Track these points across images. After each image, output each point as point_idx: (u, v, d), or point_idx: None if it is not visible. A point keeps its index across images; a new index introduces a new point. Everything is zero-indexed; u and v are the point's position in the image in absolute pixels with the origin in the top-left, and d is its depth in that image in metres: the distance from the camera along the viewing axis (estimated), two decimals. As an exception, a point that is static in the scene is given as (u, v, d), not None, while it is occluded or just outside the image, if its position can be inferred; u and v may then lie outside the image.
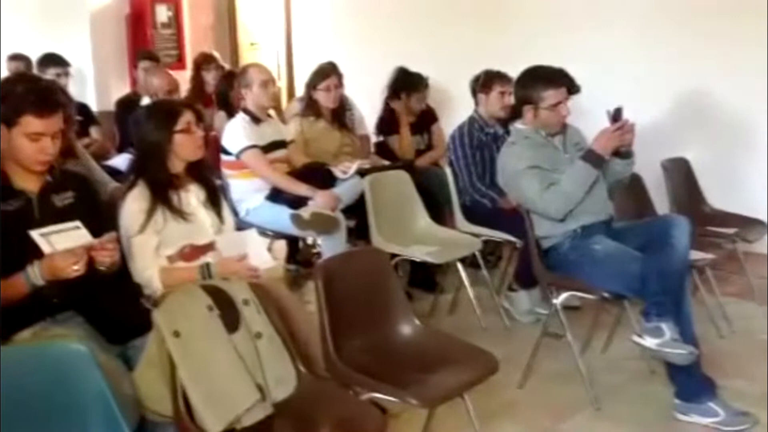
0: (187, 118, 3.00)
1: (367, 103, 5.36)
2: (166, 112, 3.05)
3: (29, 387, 2.03)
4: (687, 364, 3.06)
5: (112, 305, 2.60)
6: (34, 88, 2.56)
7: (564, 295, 3.43)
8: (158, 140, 2.95)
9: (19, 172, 2.57)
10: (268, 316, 2.50)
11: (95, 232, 2.55)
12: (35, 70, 5.71)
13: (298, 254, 4.99)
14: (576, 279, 3.38)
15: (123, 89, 6.34)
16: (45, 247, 2.38)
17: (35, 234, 2.38)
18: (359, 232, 4.31)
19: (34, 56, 5.90)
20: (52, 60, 5.68)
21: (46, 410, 2.03)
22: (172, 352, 2.24)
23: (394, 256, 4.07)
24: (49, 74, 5.52)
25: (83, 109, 5.62)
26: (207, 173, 3.15)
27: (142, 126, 3.05)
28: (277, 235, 4.49)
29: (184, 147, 2.97)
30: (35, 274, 2.39)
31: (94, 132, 5.48)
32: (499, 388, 3.43)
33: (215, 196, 3.10)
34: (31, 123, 2.47)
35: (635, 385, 3.55)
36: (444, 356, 2.77)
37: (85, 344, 2.15)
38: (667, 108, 5.12)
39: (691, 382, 3.17)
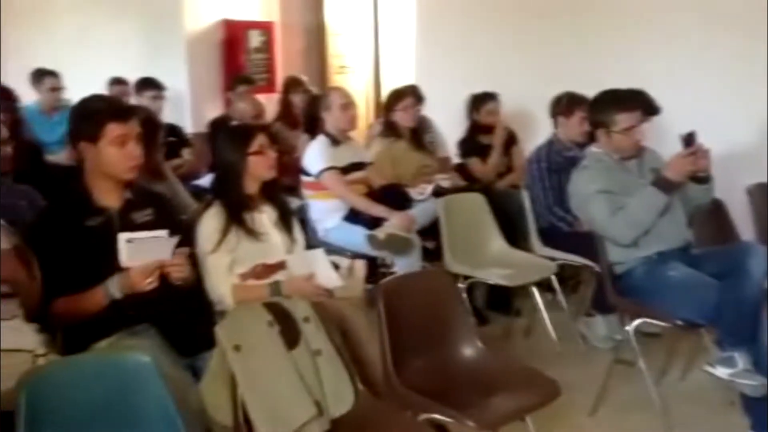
0: (260, 140, 3.11)
1: (452, 125, 5.40)
2: (240, 134, 3.18)
3: (95, 395, 2.14)
4: (759, 395, 2.96)
5: (185, 319, 2.72)
6: (109, 100, 2.86)
7: (636, 322, 3.37)
8: (233, 161, 3.08)
9: (102, 190, 2.73)
10: (328, 334, 2.55)
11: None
12: (133, 94, 5.99)
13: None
14: (649, 305, 3.32)
15: (217, 111, 6.56)
16: (123, 257, 2.55)
17: (122, 238, 2.53)
18: (437, 254, 4.34)
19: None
20: (148, 83, 5.95)
21: (110, 419, 2.14)
22: (233, 366, 2.32)
23: (467, 278, 4.10)
24: (146, 97, 5.81)
25: (175, 130, 5.86)
26: (280, 194, 3.25)
27: (219, 148, 3.20)
28: (356, 255, 4.56)
29: (258, 168, 3.09)
30: (114, 286, 2.56)
31: (186, 153, 5.69)
32: (568, 414, 3.40)
33: (287, 217, 3.21)
34: (113, 129, 2.65)
35: (712, 416, 3.45)
36: (505, 379, 2.77)
37: (150, 355, 2.26)
38: (756, 131, 4.96)
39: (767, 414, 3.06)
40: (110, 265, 2.62)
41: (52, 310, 2.55)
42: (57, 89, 6.00)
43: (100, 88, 6.13)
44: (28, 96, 5.98)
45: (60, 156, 5.51)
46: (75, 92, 6.36)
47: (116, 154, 2.67)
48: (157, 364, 2.24)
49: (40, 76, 6.05)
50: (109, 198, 2.74)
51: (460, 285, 4.08)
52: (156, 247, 2.62)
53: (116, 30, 7.17)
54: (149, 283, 2.56)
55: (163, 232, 2.65)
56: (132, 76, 6.25)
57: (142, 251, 2.59)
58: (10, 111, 4.14)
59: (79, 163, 2.77)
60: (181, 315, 2.71)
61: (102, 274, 2.61)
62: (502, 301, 4.64)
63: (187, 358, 2.63)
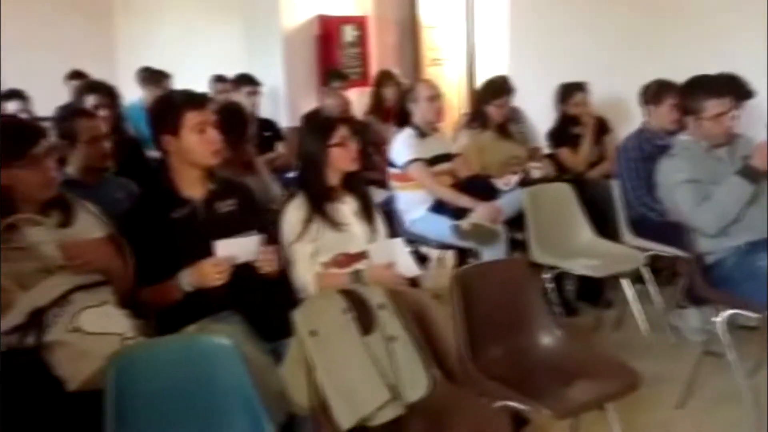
0: (342, 132, 3.18)
1: (544, 116, 5.36)
2: (322, 127, 3.26)
3: (178, 376, 2.26)
4: None
5: (270, 305, 2.81)
6: (182, 91, 2.96)
7: (727, 313, 3.28)
8: (315, 153, 3.16)
9: (187, 181, 2.86)
10: (404, 321, 2.61)
11: None
12: (232, 90, 6.19)
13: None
14: (739, 296, 3.23)
15: (311, 106, 6.69)
16: (219, 250, 2.67)
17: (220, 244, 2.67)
18: (525, 245, 4.32)
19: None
20: (245, 79, 6.15)
21: (192, 399, 2.26)
22: (309, 350, 2.41)
23: (554, 268, 4.08)
24: (243, 92, 6.00)
25: (270, 125, 6.03)
26: (361, 185, 3.32)
27: (302, 140, 3.29)
28: (442, 246, 4.61)
29: (340, 159, 3.16)
30: (185, 280, 2.70)
31: (280, 147, 5.85)
32: (655, 407, 3.35)
33: (369, 207, 3.27)
34: (191, 117, 2.78)
35: (808, 412, 3.32)
36: (583, 368, 2.75)
37: (231, 339, 2.37)
38: None
39: None
40: (194, 255, 2.73)
41: (140, 298, 2.70)
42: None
43: (203, 85, 6.37)
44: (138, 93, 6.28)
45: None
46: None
47: (197, 141, 2.78)
48: (238, 348, 2.35)
49: (150, 75, 6.32)
50: (193, 189, 2.87)
51: (546, 275, 4.07)
52: (244, 246, 2.72)
53: (218, 29, 7.42)
54: (218, 279, 2.66)
55: (251, 234, 2.76)
56: (232, 73, 6.46)
57: (231, 251, 2.70)
58: (112, 108, 4.35)
59: (164, 157, 2.90)
60: (266, 302, 2.81)
61: (186, 264, 2.73)
62: (592, 292, 4.58)
63: (271, 343, 2.72)
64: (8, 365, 2.32)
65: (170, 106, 2.84)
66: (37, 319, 2.30)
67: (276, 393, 2.47)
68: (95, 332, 2.30)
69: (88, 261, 2.49)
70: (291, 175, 4.98)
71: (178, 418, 2.25)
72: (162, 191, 2.87)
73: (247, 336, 2.64)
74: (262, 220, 3.03)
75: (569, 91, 5.18)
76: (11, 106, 4.97)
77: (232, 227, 2.83)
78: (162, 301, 2.72)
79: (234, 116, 3.95)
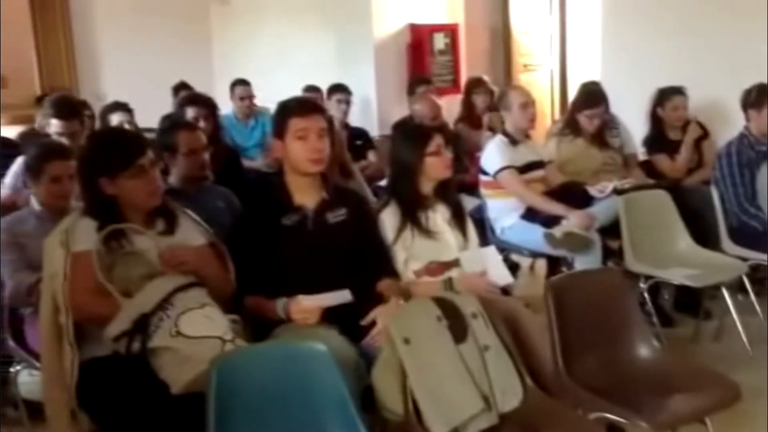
0: (437, 141, 3.20)
1: (638, 122, 5.25)
2: (417, 135, 3.29)
3: (276, 380, 2.32)
4: None
5: (362, 311, 2.85)
6: (296, 99, 3.05)
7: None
8: (409, 161, 3.18)
9: (299, 189, 2.89)
10: (497, 330, 2.60)
11: (364, 247, 2.92)
12: (325, 99, 6.30)
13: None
14: None
15: (402, 114, 6.74)
16: (307, 302, 2.70)
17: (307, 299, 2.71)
18: (621, 253, 4.25)
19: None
20: (337, 89, 6.24)
21: (289, 402, 2.31)
22: (402, 358, 2.42)
23: (650, 278, 3.99)
24: (333, 101, 6.09)
25: (362, 133, 6.10)
26: (453, 193, 3.33)
27: (396, 148, 3.32)
28: (534, 254, 4.57)
29: (434, 168, 3.18)
30: (281, 309, 2.74)
31: (371, 155, 5.91)
32: (754, 421, 3.25)
33: (461, 216, 3.28)
34: (295, 123, 2.81)
35: None
36: (681, 381, 2.68)
37: (326, 345, 2.41)
38: None
39: None
40: (301, 264, 2.80)
41: (245, 305, 2.77)
42: (245, 98, 6.37)
43: (296, 94, 6.49)
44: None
45: (257, 161, 5.92)
46: (275, 100, 6.81)
47: (299, 148, 2.81)
48: (334, 353, 2.39)
49: (233, 85, 6.48)
50: (306, 197, 2.89)
51: (642, 285, 3.98)
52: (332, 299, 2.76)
53: (312, 39, 7.55)
54: (306, 319, 2.69)
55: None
56: (325, 83, 6.57)
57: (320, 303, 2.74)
58: (211, 119, 4.48)
59: (280, 163, 2.97)
60: (359, 306, 2.83)
61: (294, 271, 2.79)
62: (690, 302, 4.45)
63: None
64: (115, 369, 2.44)
65: (280, 112, 2.90)
66: (142, 325, 2.39)
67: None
68: (196, 336, 2.37)
69: (184, 264, 2.57)
70: (381, 183, 5.04)
71: (276, 421, 2.30)
72: (274, 197, 2.90)
73: (340, 339, 2.68)
74: (370, 229, 3.05)
75: (667, 96, 5.05)
76: (116, 118, 5.17)
77: (341, 239, 2.88)
78: (262, 316, 2.78)
79: None
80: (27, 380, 3.23)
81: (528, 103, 4.49)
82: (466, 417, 2.39)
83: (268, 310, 2.76)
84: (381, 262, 3.04)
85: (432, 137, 3.21)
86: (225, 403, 2.22)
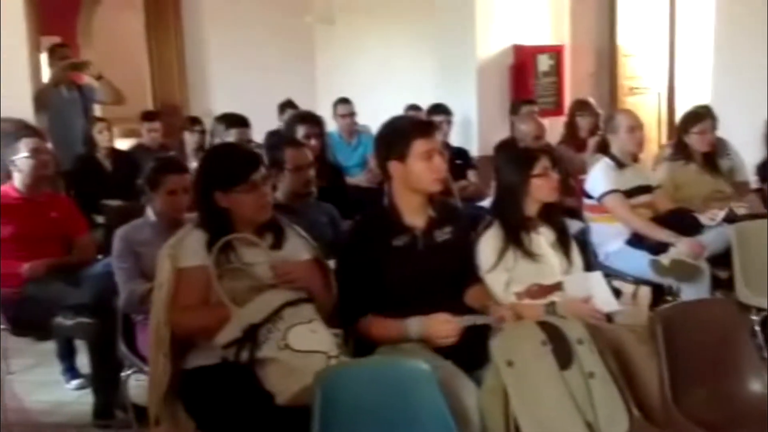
0: (543, 163, 3.17)
1: (751, 149, 5.07)
2: (524, 157, 3.26)
3: (378, 395, 2.34)
4: None
5: (468, 335, 2.82)
6: (411, 119, 2.97)
7: None
8: (515, 183, 3.16)
9: (409, 209, 2.86)
10: (602, 357, 2.54)
11: (465, 267, 2.92)
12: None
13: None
14: None
15: (503, 135, 6.70)
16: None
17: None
18: (730, 284, 4.10)
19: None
20: (438, 109, 6.25)
21: (390, 418, 2.33)
22: (505, 380, 2.40)
23: (761, 310, 3.83)
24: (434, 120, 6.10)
25: (463, 153, 6.10)
26: (559, 216, 3.28)
27: (502, 170, 3.31)
28: (639, 281, 4.45)
29: (541, 190, 3.15)
30: (413, 328, 2.67)
31: (471, 175, 5.90)
32: None
33: (565, 239, 3.23)
34: (420, 144, 2.78)
35: None
36: (798, 420, 2.57)
37: (429, 364, 2.41)
38: None
39: None
40: (410, 285, 2.78)
41: (360, 329, 2.74)
42: (347, 116, 6.45)
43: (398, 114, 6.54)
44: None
45: (359, 178, 6.00)
46: (376, 119, 6.90)
47: (423, 168, 2.78)
48: (436, 372, 2.39)
49: (336, 104, 6.58)
50: (415, 217, 2.87)
51: (754, 317, 3.83)
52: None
53: (414, 59, 7.61)
54: (448, 340, 2.64)
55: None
56: (426, 103, 6.60)
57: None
58: (319, 137, 4.56)
59: (383, 183, 2.98)
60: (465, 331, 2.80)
61: (402, 291, 2.76)
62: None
63: (470, 371, 2.71)
64: (222, 378, 2.51)
65: (400, 133, 2.85)
66: (251, 335, 2.44)
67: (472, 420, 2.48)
68: (303, 350, 2.41)
69: (297, 280, 2.62)
70: (481, 204, 5.02)
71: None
72: (384, 217, 2.88)
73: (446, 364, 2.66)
74: (469, 250, 3.04)
75: (783, 122, 4.86)
76: (233, 134, 5.30)
77: (447, 257, 2.87)
78: (382, 338, 2.72)
79: None
80: (134, 384, 3.34)
81: (636, 127, 4.41)
82: (568, 444, 2.36)
83: (393, 330, 2.70)
84: (475, 279, 3.03)
85: (539, 159, 3.19)
86: (328, 417, 2.24)
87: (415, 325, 2.67)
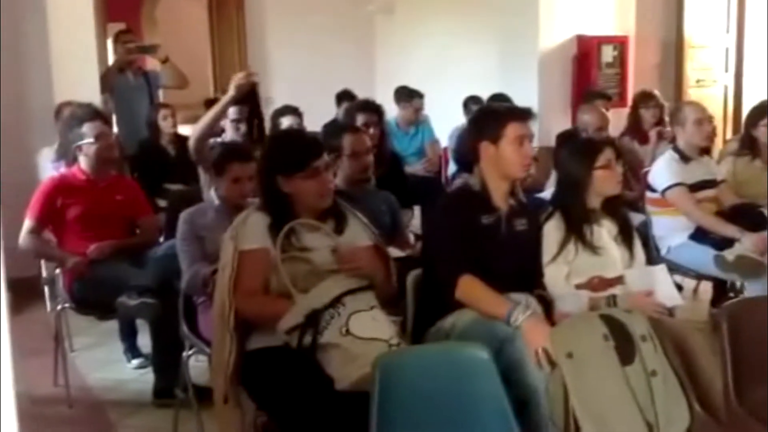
0: (607, 155, 3.13)
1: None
2: (587, 148, 3.22)
3: (436, 382, 2.36)
4: None
5: None
6: (508, 104, 2.99)
7: None
8: (579, 176, 3.11)
9: (496, 191, 2.90)
10: (666, 354, 2.50)
11: (533, 262, 2.94)
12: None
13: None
14: None
15: (565, 126, 6.62)
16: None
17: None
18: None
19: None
20: (498, 99, 6.16)
21: (447, 404, 2.34)
22: (564, 372, 2.38)
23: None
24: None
25: (523, 145, 6.03)
26: (621, 209, 3.23)
27: (565, 161, 3.26)
28: (701, 276, 4.37)
29: (604, 183, 3.10)
30: (515, 318, 2.63)
31: (531, 167, 5.82)
32: None
33: (628, 232, 3.18)
34: (514, 128, 2.83)
35: None
36: None
37: (488, 352, 2.41)
38: None
39: None
40: (491, 264, 2.80)
41: (461, 288, 2.73)
42: (416, 109, 6.45)
43: (457, 105, 6.52)
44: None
45: (416, 166, 5.99)
46: (436, 110, 6.90)
47: (514, 153, 2.83)
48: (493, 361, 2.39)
49: (406, 95, 6.56)
50: (501, 201, 2.92)
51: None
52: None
53: (475, 49, 7.54)
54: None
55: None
56: (485, 93, 6.54)
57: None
58: (378, 125, 4.56)
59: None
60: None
61: (484, 270, 2.78)
62: None
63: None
64: (284, 360, 2.53)
65: (496, 115, 2.92)
66: (314, 320, 2.46)
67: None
68: (364, 337, 2.43)
69: (360, 267, 2.64)
70: (540, 195, 4.97)
71: (434, 424, 2.32)
72: (475, 195, 2.91)
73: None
74: (539, 245, 3.04)
75: None
76: (286, 121, 5.36)
77: (523, 246, 2.92)
78: (481, 306, 2.72)
79: None
80: (194, 365, 3.40)
81: (703, 120, 4.34)
82: (626, 441, 2.33)
83: (495, 307, 2.69)
84: (540, 275, 3.02)
85: (602, 150, 3.14)
86: (386, 402, 2.25)
87: (519, 314, 2.62)
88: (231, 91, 3.66)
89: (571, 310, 2.83)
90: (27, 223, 3.94)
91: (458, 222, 2.83)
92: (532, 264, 2.98)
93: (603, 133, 5.13)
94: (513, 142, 2.82)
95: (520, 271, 2.91)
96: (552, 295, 2.97)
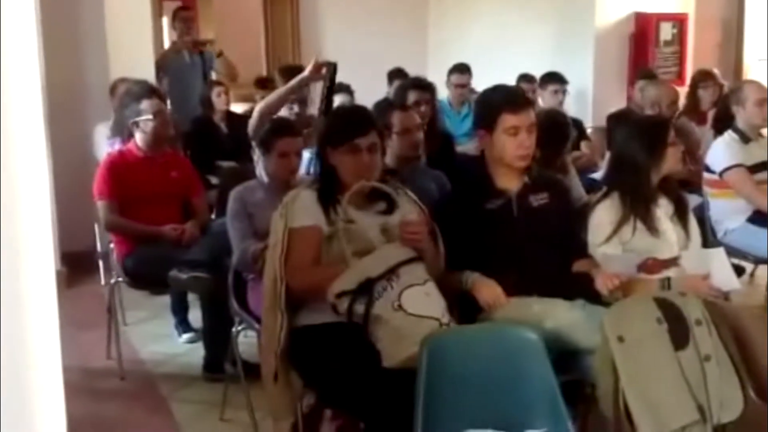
0: (671, 132, 3.06)
1: None
2: (653, 127, 3.15)
3: (483, 361, 2.35)
4: None
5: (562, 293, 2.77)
6: (505, 91, 2.97)
7: None
8: (643, 155, 3.02)
9: (502, 175, 2.89)
10: (721, 339, 2.44)
11: (564, 233, 2.89)
12: (538, 88, 6.19)
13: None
14: None
15: (620, 105, 6.50)
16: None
17: None
18: None
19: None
20: (552, 78, 6.12)
21: (495, 384, 2.33)
22: (615, 356, 2.33)
23: None
24: (548, 91, 5.98)
25: (576, 124, 5.92)
26: (677, 189, 3.16)
27: (625, 140, 3.16)
28: (759, 260, 4.26)
29: (671, 160, 3.04)
30: (466, 283, 2.74)
31: (584, 146, 5.75)
32: None
33: (684, 213, 3.11)
34: (507, 119, 2.80)
35: None
36: None
37: (536, 333, 2.38)
38: None
39: None
40: (506, 247, 2.79)
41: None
42: (461, 86, 6.36)
43: (511, 83, 6.43)
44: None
45: (468, 146, 5.93)
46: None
47: (508, 143, 2.81)
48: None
49: (451, 71, 6.49)
50: (508, 182, 2.90)
51: None
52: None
53: (531, 27, 7.43)
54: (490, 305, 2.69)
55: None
56: (540, 72, 6.45)
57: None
58: (429, 103, 4.52)
59: (482, 149, 2.98)
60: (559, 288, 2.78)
61: (501, 254, 2.78)
62: None
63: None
64: (331, 337, 2.54)
65: (489, 105, 2.90)
66: (367, 288, 2.46)
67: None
68: (416, 314, 2.42)
69: (420, 242, 2.62)
70: (594, 175, 4.88)
71: (481, 404, 2.31)
72: (477, 182, 2.93)
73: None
74: (571, 216, 3.00)
75: None
76: (338, 99, 5.35)
77: (545, 220, 2.86)
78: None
79: (557, 126, 3.86)
80: (243, 341, 3.43)
81: (765, 100, 4.20)
82: (677, 426, 2.28)
83: (450, 282, 2.73)
84: (579, 247, 2.99)
85: (667, 128, 3.08)
86: (433, 381, 2.25)
87: (468, 279, 2.73)
88: (305, 72, 3.64)
89: (620, 271, 2.79)
90: (102, 204, 3.98)
91: (459, 216, 2.84)
92: (560, 235, 2.92)
93: (674, 108, 5.01)
94: (506, 133, 2.79)
95: (548, 247, 2.87)
96: (599, 260, 2.93)
